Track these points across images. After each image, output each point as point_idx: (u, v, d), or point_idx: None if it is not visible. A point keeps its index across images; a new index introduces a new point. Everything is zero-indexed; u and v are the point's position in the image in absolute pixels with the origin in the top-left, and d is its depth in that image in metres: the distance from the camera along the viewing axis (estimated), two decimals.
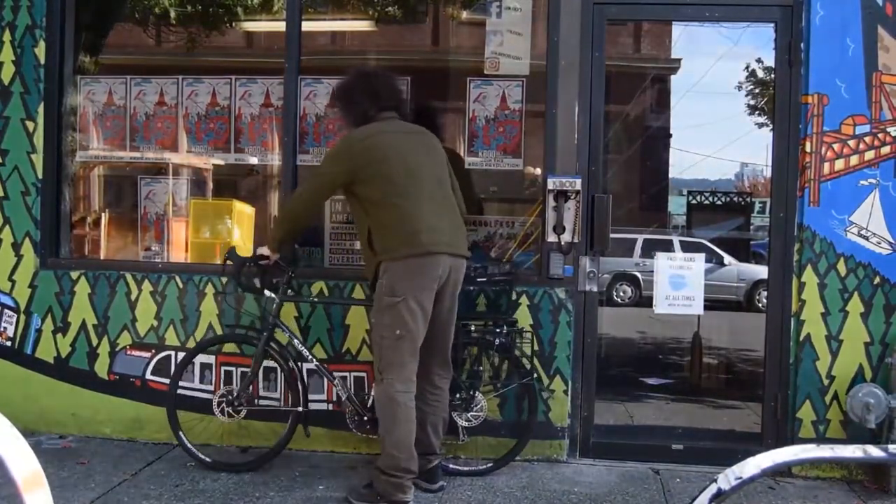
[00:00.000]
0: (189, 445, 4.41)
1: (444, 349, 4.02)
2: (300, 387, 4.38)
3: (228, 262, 4.39)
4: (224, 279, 4.68)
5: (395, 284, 3.74)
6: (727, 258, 11.29)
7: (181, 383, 4.61)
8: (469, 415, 4.30)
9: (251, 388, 4.47)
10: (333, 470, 4.41)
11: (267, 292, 4.43)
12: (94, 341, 4.90)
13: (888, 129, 4.36)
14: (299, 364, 4.53)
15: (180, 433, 4.43)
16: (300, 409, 4.33)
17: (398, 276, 3.74)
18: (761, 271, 5.22)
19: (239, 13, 5.94)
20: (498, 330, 4.31)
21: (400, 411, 3.77)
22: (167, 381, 4.80)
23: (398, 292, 3.72)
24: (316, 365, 4.41)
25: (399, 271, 3.75)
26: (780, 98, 4.51)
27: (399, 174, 3.81)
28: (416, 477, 3.94)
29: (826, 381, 4.41)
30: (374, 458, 4.57)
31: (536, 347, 4.52)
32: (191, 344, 4.81)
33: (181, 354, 4.80)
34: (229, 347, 4.71)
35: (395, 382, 3.77)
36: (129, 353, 4.89)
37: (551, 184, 4.47)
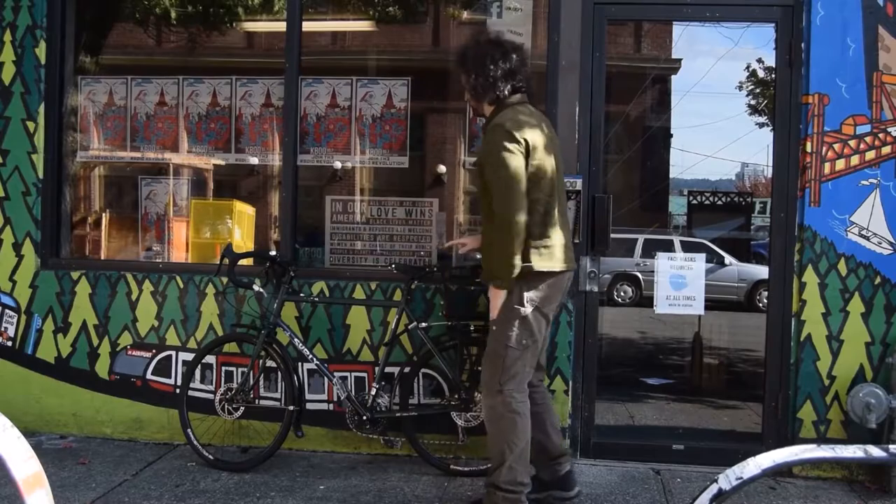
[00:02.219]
0: (196, 443, 4.43)
1: (543, 352, 3.87)
2: (295, 385, 4.38)
3: (225, 259, 4.39)
4: (224, 279, 4.67)
5: (527, 296, 3.55)
6: (728, 258, 11.30)
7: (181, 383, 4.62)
8: (469, 415, 4.30)
9: (251, 386, 4.48)
10: (334, 470, 4.41)
11: (256, 287, 4.44)
12: (95, 341, 4.91)
13: (889, 129, 4.36)
14: (296, 363, 4.54)
15: (189, 430, 4.45)
16: (292, 407, 4.34)
17: (532, 288, 3.55)
18: (762, 271, 5.23)
19: (239, 13, 5.94)
20: None
21: (521, 423, 3.57)
22: (168, 381, 4.83)
23: (528, 302, 3.55)
24: (316, 364, 4.42)
25: (534, 284, 3.55)
26: (780, 98, 4.51)
27: (547, 179, 3.56)
28: (547, 490, 3.85)
29: (827, 382, 4.41)
30: (374, 459, 4.59)
31: None
32: (191, 344, 4.81)
33: (182, 354, 4.81)
34: (229, 347, 4.71)
35: (514, 393, 3.56)
36: (129, 353, 4.89)
37: None
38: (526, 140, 3.50)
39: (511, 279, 3.49)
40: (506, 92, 3.64)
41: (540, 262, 3.53)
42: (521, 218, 3.44)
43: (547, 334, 3.86)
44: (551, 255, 3.57)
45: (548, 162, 3.58)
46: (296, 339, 4.43)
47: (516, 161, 3.46)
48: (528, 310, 3.55)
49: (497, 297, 3.58)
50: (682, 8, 4.75)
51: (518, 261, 3.46)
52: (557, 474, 3.85)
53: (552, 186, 3.59)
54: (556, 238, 3.59)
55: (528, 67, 3.75)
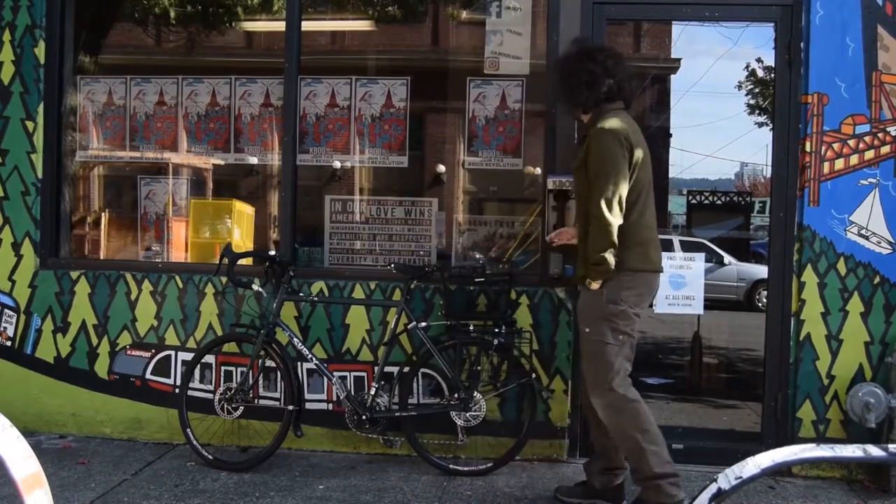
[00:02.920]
0: (196, 443, 4.43)
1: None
2: (294, 385, 4.38)
3: (224, 259, 4.39)
4: (223, 278, 4.67)
5: (620, 294, 3.59)
6: (727, 258, 11.32)
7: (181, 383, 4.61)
8: (468, 415, 4.30)
9: (251, 386, 4.47)
10: (333, 470, 4.41)
11: (255, 287, 4.44)
12: (94, 341, 4.90)
13: (888, 129, 4.36)
14: (295, 363, 4.55)
15: (188, 430, 4.45)
16: (291, 407, 4.34)
17: (626, 286, 3.60)
18: (761, 271, 5.23)
19: (239, 13, 5.94)
20: (497, 330, 4.31)
21: (643, 408, 3.62)
22: (167, 380, 4.83)
23: (622, 300, 3.59)
24: (316, 364, 4.42)
25: (628, 283, 3.60)
26: (779, 97, 4.51)
27: (646, 181, 3.67)
28: (595, 498, 3.89)
29: (826, 381, 4.41)
30: (374, 458, 4.59)
31: (536, 347, 4.52)
32: (191, 344, 4.81)
33: (181, 354, 4.81)
34: (229, 347, 4.71)
35: (622, 387, 3.61)
36: (129, 352, 4.89)
37: (551, 183, 4.47)
38: (630, 143, 3.58)
39: (603, 275, 3.55)
40: (600, 98, 3.69)
41: (636, 261, 3.60)
42: (617, 219, 3.51)
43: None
44: (646, 255, 3.64)
45: (645, 167, 3.68)
46: (295, 339, 4.43)
47: (622, 164, 3.54)
48: (621, 307, 3.60)
49: (589, 294, 3.63)
50: (681, 7, 4.75)
51: (610, 256, 3.51)
52: (611, 484, 3.87)
53: (649, 190, 3.71)
54: (650, 239, 3.68)
55: (625, 73, 3.79)
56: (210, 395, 4.67)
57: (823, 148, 4.38)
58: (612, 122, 3.60)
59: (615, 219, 3.50)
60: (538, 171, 4.89)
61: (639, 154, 3.61)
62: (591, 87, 3.67)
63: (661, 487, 3.55)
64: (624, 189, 3.53)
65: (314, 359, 4.40)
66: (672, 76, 10.85)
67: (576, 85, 3.70)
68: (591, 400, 3.74)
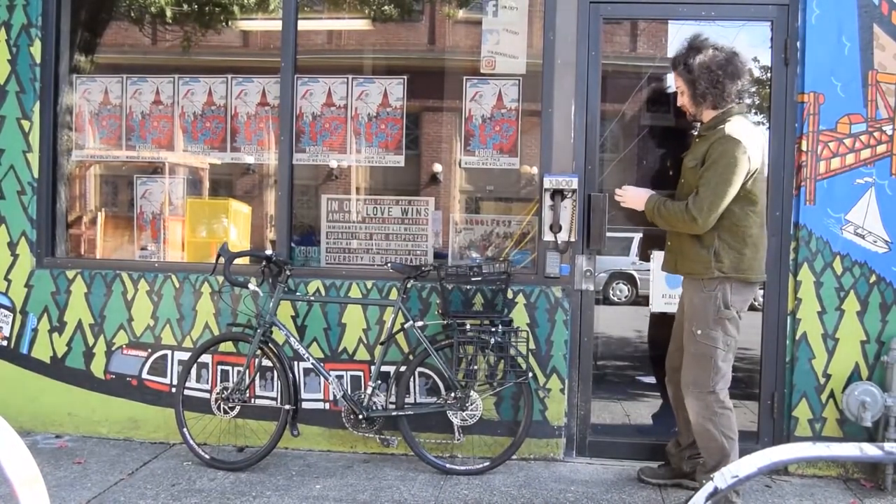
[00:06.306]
0: (192, 442, 4.43)
1: None
2: (291, 384, 4.38)
3: (220, 258, 4.38)
4: (220, 277, 4.67)
5: (730, 299, 3.73)
6: None
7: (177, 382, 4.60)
8: (465, 414, 4.31)
9: (247, 385, 4.47)
10: (330, 469, 4.41)
11: (251, 286, 4.43)
12: (91, 341, 4.90)
13: (884, 128, 4.37)
14: (292, 362, 4.54)
15: (185, 429, 4.44)
16: (288, 406, 4.33)
17: (735, 292, 3.73)
18: None
19: (235, 12, 5.92)
20: (494, 329, 4.31)
21: (733, 417, 3.82)
22: (164, 380, 4.82)
23: (733, 306, 3.73)
24: (312, 363, 4.42)
25: (738, 289, 3.74)
26: (776, 97, 4.52)
27: (763, 195, 3.76)
28: (679, 477, 4.15)
29: (822, 380, 4.41)
30: (371, 458, 4.59)
31: (532, 346, 4.52)
32: (187, 343, 4.81)
33: (178, 354, 4.81)
34: (225, 346, 4.71)
35: (723, 391, 3.80)
36: (125, 352, 4.88)
37: (547, 182, 4.48)
38: (751, 159, 3.61)
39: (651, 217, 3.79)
40: (732, 98, 3.72)
41: (750, 273, 3.72)
42: (706, 226, 3.64)
43: None
44: (759, 266, 3.77)
45: (763, 178, 3.79)
46: (292, 338, 4.42)
47: (737, 179, 3.59)
48: (733, 313, 3.73)
49: (702, 296, 3.75)
50: (677, 7, 4.76)
51: (659, 222, 3.78)
52: (697, 465, 4.03)
53: (763, 198, 3.77)
54: (762, 251, 3.79)
55: (747, 77, 3.80)
56: (206, 395, 4.67)
57: (819, 147, 4.39)
58: (740, 131, 3.62)
59: (705, 225, 3.62)
60: (535, 170, 4.89)
61: (756, 164, 3.65)
62: (714, 86, 3.67)
63: (727, 496, 3.69)
64: (727, 202, 3.61)
65: (311, 358, 4.40)
66: (668, 75, 10.83)
67: (697, 82, 3.70)
68: (685, 399, 3.86)
